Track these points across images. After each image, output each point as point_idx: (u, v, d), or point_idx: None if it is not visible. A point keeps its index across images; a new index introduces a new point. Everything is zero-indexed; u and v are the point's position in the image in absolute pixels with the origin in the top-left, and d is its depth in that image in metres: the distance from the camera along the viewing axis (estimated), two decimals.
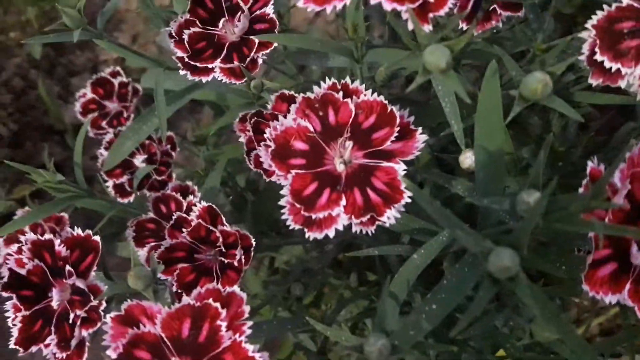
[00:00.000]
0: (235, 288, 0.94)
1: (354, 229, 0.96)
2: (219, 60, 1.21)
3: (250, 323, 0.88)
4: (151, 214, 1.58)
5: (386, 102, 0.98)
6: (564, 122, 1.53)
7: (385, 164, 0.96)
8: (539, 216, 0.81)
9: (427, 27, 0.90)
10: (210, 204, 1.19)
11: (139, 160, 1.76)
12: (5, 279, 1.06)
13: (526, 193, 0.86)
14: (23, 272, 1.07)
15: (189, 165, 2.45)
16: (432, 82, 1.01)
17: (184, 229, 1.18)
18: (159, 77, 1.40)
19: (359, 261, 1.90)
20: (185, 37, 1.23)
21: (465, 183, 1.14)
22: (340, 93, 1.00)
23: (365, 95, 1.00)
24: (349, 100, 0.99)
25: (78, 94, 1.96)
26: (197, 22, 1.24)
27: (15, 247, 1.08)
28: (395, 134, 0.97)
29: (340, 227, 0.95)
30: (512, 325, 1.30)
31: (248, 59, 1.20)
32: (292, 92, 1.27)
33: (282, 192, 0.97)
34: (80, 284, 1.04)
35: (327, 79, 1.02)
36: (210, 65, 1.21)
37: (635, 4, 0.98)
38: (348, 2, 0.91)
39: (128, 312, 0.91)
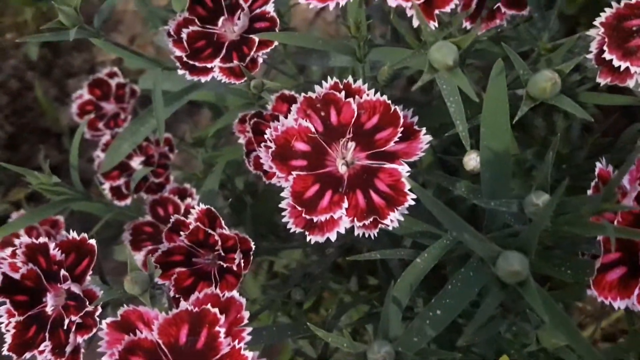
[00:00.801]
0: (234, 293, 0.92)
1: (356, 232, 0.94)
2: (218, 59, 1.19)
3: (249, 329, 0.86)
4: (148, 217, 1.56)
5: (389, 101, 0.96)
6: (568, 124, 1.51)
7: (388, 165, 0.94)
8: (548, 219, 0.79)
9: (433, 24, 0.88)
10: (208, 206, 1.16)
11: (136, 163, 1.74)
12: None
13: (535, 195, 0.84)
14: (17, 276, 1.04)
15: (187, 168, 2.43)
16: (435, 83, 0.99)
17: (181, 232, 1.16)
18: (157, 78, 1.38)
19: (359, 265, 1.88)
20: (184, 36, 1.21)
21: (469, 185, 1.12)
22: (343, 93, 0.98)
23: (368, 94, 0.98)
24: (351, 100, 0.97)
25: (74, 95, 1.94)
26: (196, 20, 1.22)
27: (9, 250, 1.06)
28: (399, 135, 0.95)
29: (342, 230, 0.94)
30: (515, 330, 1.28)
31: (248, 58, 1.18)
32: (292, 93, 1.25)
33: (282, 194, 0.95)
34: (75, 288, 1.02)
35: (328, 78, 1.00)
36: (209, 65, 1.19)
37: None
38: None
39: (124, 317, 0.90)
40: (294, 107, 0.99)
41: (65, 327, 1.01)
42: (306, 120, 0.97)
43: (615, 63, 0.96)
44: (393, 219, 0.91)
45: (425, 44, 0.89)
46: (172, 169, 1.79)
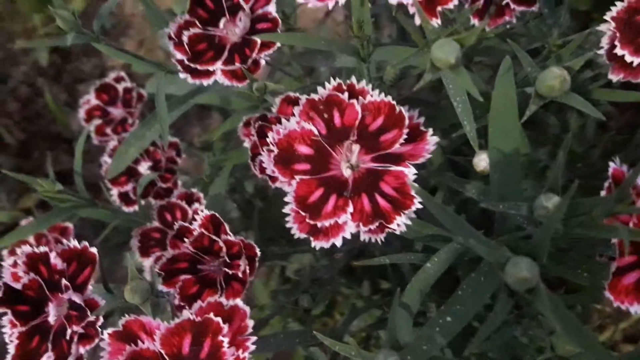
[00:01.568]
0: (238, 301, 0.91)
1: (362, 237, 0.91)
2: (220, 62, 1.17)
3: (254, 338, 0.85)
4: (156, 223, 1.54)
5: (394, 102, 0.93)
6: (582, 122, 1.48)
7: (394, 168, 0.92)
8: (559, 222, 0.76)
9: (436, 22, 0.86)
10: (213, 212, 1.14)
11: (144, 168, 1.73)
12: (0, 294, 1.03)
13: (544, 197, 0.81)
14: (19, 286, 1.03)
15: (197, 172, 2.42)
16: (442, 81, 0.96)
17: (186, 239, 1.14)
18: (160, 81, 1.36)
19: (372, 268, 1.86)
20: (185, 38, 1.19)
21: (479, 186, 1.09)
22: (346, 94, 0.95)
23: (372, 95, 0.95)
24: (354, 101, 0.94)
25: (82, 101, 1.93)
26: (197, 22, 1.20)
27: (10, 260, 1.05)
28: (405, 136, 0.92)
29: (348, 236, 0.91)
30: (531, 334, 1.25)
31: (250, 60, 1.16)
32: (297, 95, 1.23)
33: (286, 199, 0.93)
34: (77, 298, 1.00)
35: (331, 79, 0.98)
36: (211, 68, 1.17)
37: None
38: None
39: (126, 327, 0.89)
40: (296, 110, 0.96)
41: (67, 338, 1.00)
42: (309, 123, 0.95)
43: (628, 59, 0.93)
44: (400, 223, 0.89)
45: (429, 41, 0.87)
46: (182, 173, 1.77)
